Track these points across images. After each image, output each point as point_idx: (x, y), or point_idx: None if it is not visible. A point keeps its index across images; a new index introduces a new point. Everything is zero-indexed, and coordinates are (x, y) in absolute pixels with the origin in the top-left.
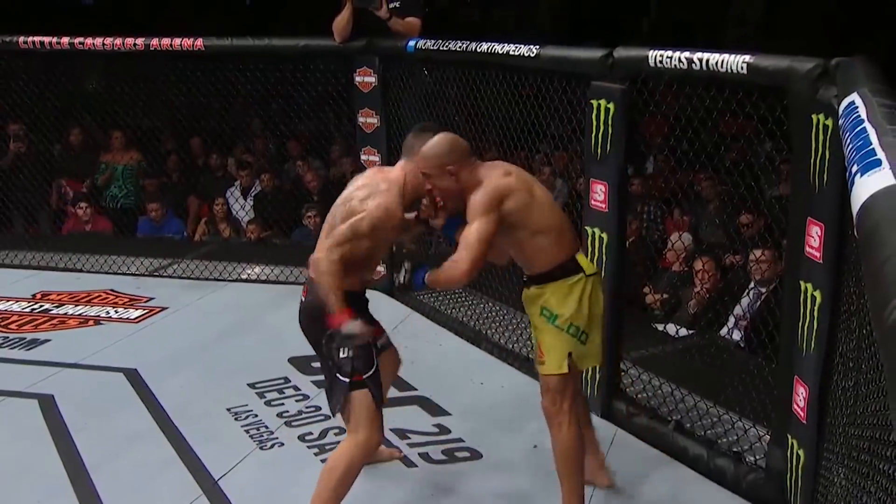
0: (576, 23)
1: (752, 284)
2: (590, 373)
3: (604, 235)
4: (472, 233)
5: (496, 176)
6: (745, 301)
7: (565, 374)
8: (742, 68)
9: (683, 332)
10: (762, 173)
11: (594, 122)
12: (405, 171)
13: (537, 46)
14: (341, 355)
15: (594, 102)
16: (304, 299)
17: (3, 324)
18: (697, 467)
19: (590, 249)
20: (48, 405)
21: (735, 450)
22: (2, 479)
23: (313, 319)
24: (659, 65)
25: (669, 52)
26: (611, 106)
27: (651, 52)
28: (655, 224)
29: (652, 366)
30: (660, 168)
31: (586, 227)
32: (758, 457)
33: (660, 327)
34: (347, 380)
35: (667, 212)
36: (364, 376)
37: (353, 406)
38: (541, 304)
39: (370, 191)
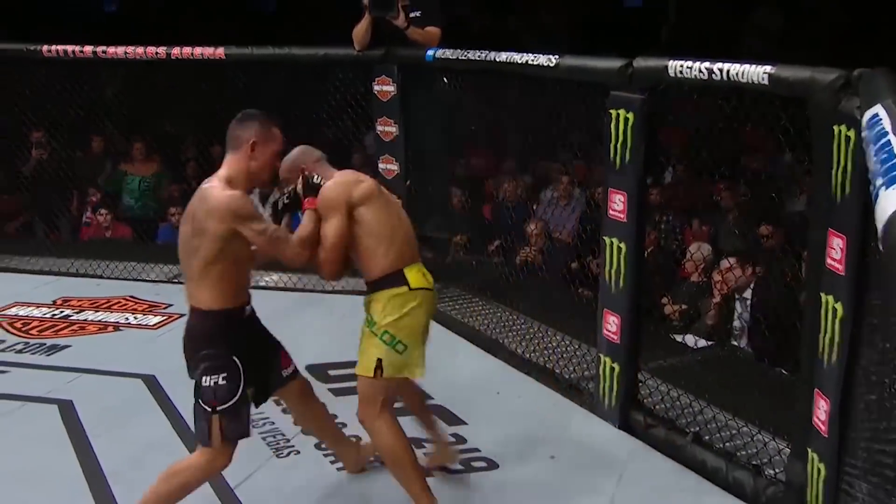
0: (592, 32)
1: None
2: (607, 383)
3: (622, 245)
4: (329, 230)
5: (346, 174)
6: (737, 310)
7: (373, 379)
8: (763, 79)
9: (702, 342)
10: (783, 184)
11: (613, 132)
12: (230, 167)
13: (556, 56)
14: (203, 383)
15: (613, 112)
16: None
17: (23, 329)
18: (716, 480)
19: (608, 259)
20: (67, 410)
21: (754, 462)
22: (22, 483)
23: (186, 347)
24: (679, 75)
25: (689, 62)
26: (630, 116)
27: (671, 61)
28: (674, 234)
29: (670, 377)
30: (679, 178)
31: (604, 237)
32: (777, 470)
33: (678, 338)
34: (208, 408)
35: (685, 222)
36: (219, 407)
37: (212, 429)
38: (368, 310)
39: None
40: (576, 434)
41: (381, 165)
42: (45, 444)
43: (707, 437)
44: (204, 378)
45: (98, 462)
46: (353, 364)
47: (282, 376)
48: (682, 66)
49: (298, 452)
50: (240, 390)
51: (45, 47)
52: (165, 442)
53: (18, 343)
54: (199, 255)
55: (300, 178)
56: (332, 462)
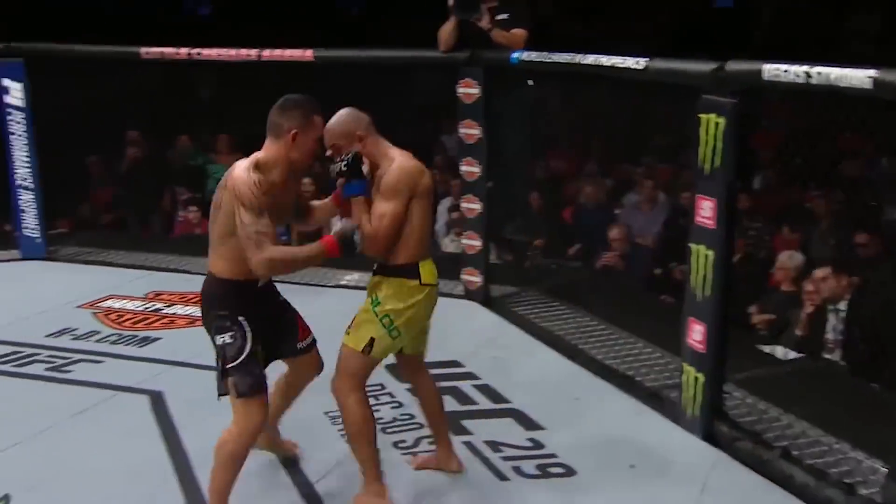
0: (682, 35)
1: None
2: (691, 392)
3: (709, 253)
4: (388, 210)
5: (409, 159)
6: (830, 322)
7: (360, 354)
8: (867, 83)
9: (792, 354)
10: (882, 190)
11: (703, 137)
12: (268, 152)
13: (645, 59)
14: (217, 342)
15: (703, 117)
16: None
17: (118, 321)
18: (804, 496)
19: (694, 266)
20: (158, 401)
21: (847, 481)
22: (113, 472)
23: (202, 309)
24: (774, 78)
25: (786, 66)
26: (721, 120)
27: (765, 65)
28: (764, 242)
29: (757, 388)
30: (769, 184)
31: (691, 244)
32: (872, 490)
33: (766, 349)
34: (221, 367)
35: (775, 229)
36: (229, 365)
37: (230, 393)
38: (375, 290)
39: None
40: (657, 443)
41: (462, 168)
42: (137, 434)
43: (796, 453)
44: (217, 338)
45: (185, 452)
46: (434, 364)
47: (296, 347)
48: (778, 69)
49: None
50: (247, 348)
51: (144, 49)
52: None
53: (113, 334)
54: (218, 225)
55: (350, 153)
56: (409, 462)
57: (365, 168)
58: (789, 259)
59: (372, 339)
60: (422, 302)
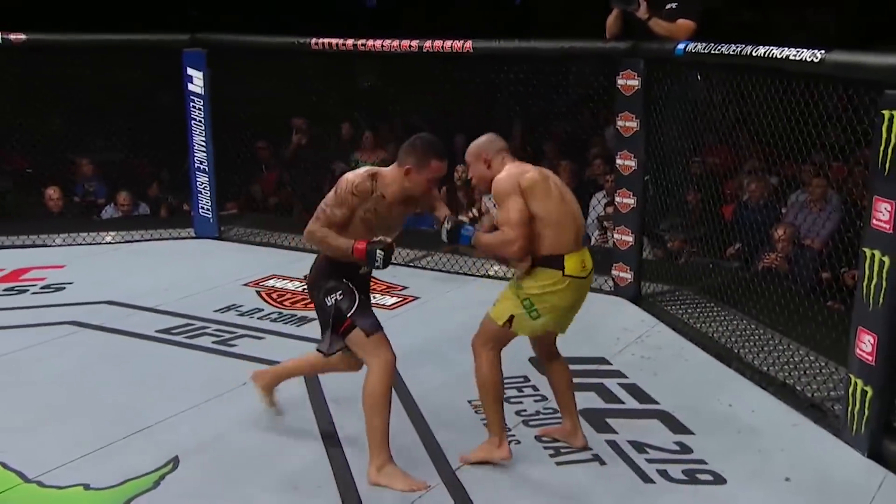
0: (868, 26)
1: None
2: (857, 406)
3: (885, 259)
4: (509, 212)
5: (516, 166)
6: None
7: (500, 327)
8: None
9: None
10: None
11: (884, 135)
12: (391, 172)
13: (822, 51)
14: (327, 304)
15: (886, 113)
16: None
17: (279, 300)
18: None
19: (867, 273)
20: (311, 379)
21: None
22: (270, 444)
23: (310, 285)
24: None
25: None
26: None
27: None
28: None
29: None
30: None
31: (864, 249)
32: None
33: None
34: (341, 327)
35: None
36: (349, 314)
37: (354, 346)
38: (520, 277)
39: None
40: (816, 457)
41: (618, 161)
42: (291, 408)
43: None
44: (327, 300)
45: (335, 429)
46: (580, 359)
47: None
48: None
49: (519, 443)
50: (357, 298)
51: (314, 40)
52: (394, 414)
53: (273, 313)
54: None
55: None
56: (551, 456)
57: (471, 213)
58: None
59: (511, 317)
60: (563, 291)
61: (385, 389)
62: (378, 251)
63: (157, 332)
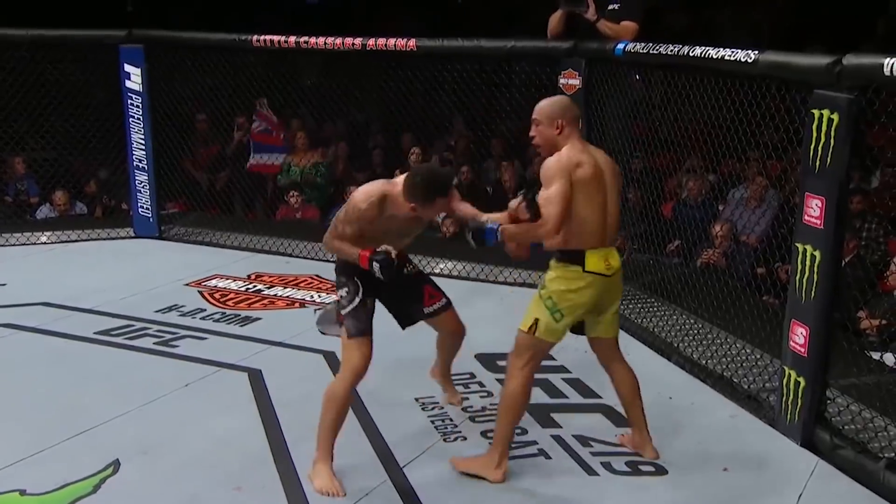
0: (798, 26)
1: None
2: (791, 397)
3: (816, 253)
4: (553, 192)
5: (577, 151)
6: None
7: (527, 334)
8: None
9: None
10: None
11: (814, 133)
12: (398, 194)
13: (756, 52)
14: (337, 295)
15: (816, 112)
16: None
17: (221, 300)
18: None
19: (799, 267)
20: (256, 379)
21: None
22: (213, 445)
23: (336, 278)
24: None
25: None
26: (834, 116)
27: (888, 59)
28: (877, 244)
29: (863, 396)
30: (887, 183)
31: (797, 244)
32: None
33: (875, 355)
34: (342, 318)
35: (891, 231)
36: (343, 311)
37: (342, 340)
38: (546, 274)
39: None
40: (752, 447)
41: None
42: (237, 410)
43: None
44: (338, 292)
45: (281, 429)
46: None
47: (423, 311)
48: None
49: (465, 439)
50: (357, 298)
51: (255, 37)
52: None
53: (216, 313)
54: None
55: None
56: None
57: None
58: None
59: (536, 320)
60: (586, 289)
61: (344, 392)
62: (375, 263)
63: (95, 333)
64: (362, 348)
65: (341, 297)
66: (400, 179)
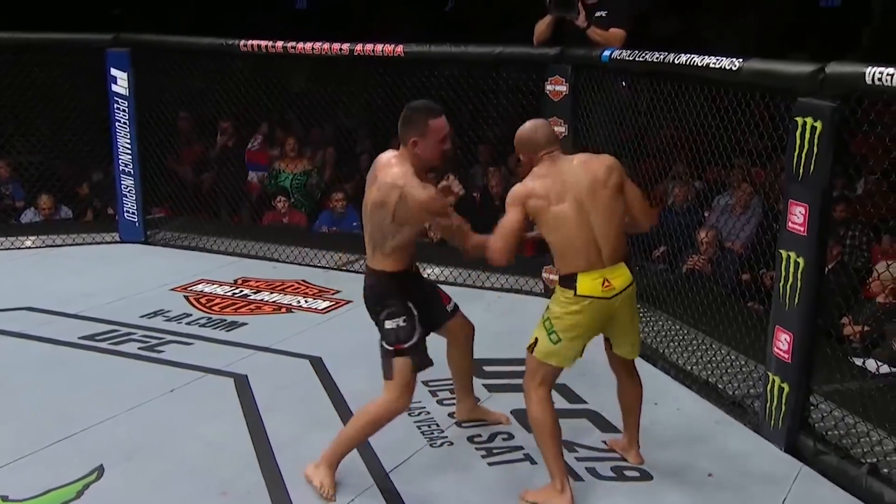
0: (784, 34)
1: None
2: (775, 403)
3: (800, 260)
4: (501, 222)
5: (538, 173)
6: None
7: (531, 354)
8: None
9: (885, 368)
10: None
11: (798, 141)
12: (402, 156)
13: (740, 59)
14: (387, 327)
15: (799, 120)
16: (365, 284)
17: (208, 305)
18: None
19: (783, 274)
20: (242, 384)
21: None
22: (198, 451)
23: (370, 300)
24: (878, 82)
25: (892, 70)
26: (818, 124)
27: (869, 68)
28: (860, 251)
29: (846, 402)
30: (870, 191)
31: (780, 251)
32: None
33: (858, 362)
34: (391, 348)
35: (874, 238)
36: (405, 345)
37: (394, 371)
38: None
39: (384, 196)
40: (737, 452)
41: None
42: (223, 415)
43: (885, 470)
44: (387, 322)
45: (266, 435)
46: (508, 361)
47: (445, 310)
48: (882, 73)
49: (451, 444)
50: (417, 330)
51: (242, 42)
52: (328, 420)
53: (202, 318)
54: (382, 226)
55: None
56: (483, 457)
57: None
58: (887, 269)
59: (536, 339)
60: (579, 313)
61: (377, 420)
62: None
63: (80, 338)
64: (413, 388)
65: (398, 327)
66: (401, 178)
